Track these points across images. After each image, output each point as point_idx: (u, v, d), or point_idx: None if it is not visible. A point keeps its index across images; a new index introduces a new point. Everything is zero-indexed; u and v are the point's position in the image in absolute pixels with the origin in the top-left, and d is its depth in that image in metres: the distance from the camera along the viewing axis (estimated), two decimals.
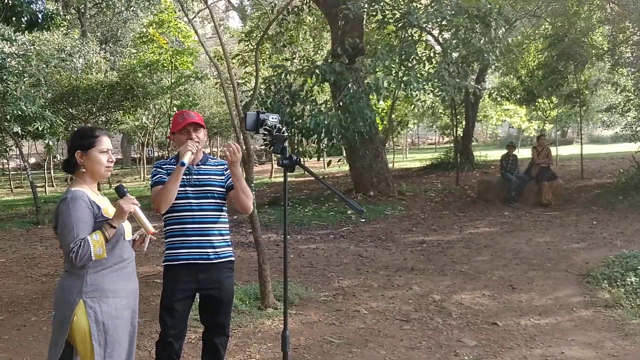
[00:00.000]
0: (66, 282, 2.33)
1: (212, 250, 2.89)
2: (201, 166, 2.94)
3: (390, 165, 14.99)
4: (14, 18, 6.73)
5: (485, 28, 8.75)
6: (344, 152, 11.48)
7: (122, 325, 2.35)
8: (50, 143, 12.01)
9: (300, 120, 9.13)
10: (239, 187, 2.88)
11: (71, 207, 2.25)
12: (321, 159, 10.98)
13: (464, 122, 17.48)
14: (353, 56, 10.10)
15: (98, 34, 22.22)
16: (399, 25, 9.52)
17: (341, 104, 9.50)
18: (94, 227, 2.28)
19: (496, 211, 10.02)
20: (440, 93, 10.05)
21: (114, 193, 2.45)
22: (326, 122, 8.75)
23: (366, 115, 9.11)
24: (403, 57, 9.38)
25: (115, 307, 2.32)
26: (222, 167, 3.00)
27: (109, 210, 2.36)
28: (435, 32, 11.26)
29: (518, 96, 15.14)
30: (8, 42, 9.10)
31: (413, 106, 15.60)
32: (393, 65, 9.28)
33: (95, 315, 2.27)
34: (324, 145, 9.68)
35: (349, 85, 9.35)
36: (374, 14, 10.07)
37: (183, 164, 2.72)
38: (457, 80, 9.02)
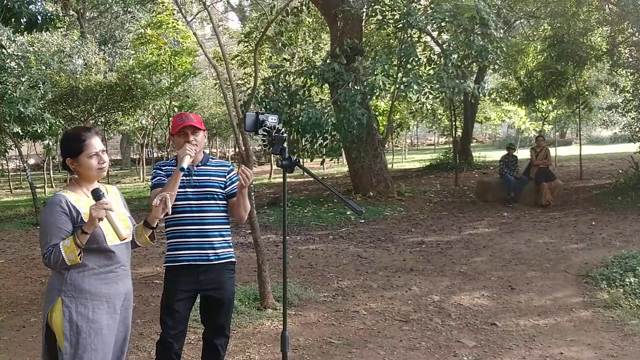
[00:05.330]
0: (50, 280, 2.36)
1: (212, 251, 2.88)
2: (201, 167, 2.93)
3: (389, 166, 15.00)
4: (13, 19, 6.70)
5: (485, 28, 8.76)
6: (343, 153, 11.45)
7: (100, 330, 2.30)
8: (50, 143, 12.00)
9: (298, 119, 9.12)
10: (242, 203, 2.90)
11: (47, 212, 2.27)
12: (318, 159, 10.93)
13: (463, 123, 17.50)
14: (352, 56, 10.11)
15: (97, 34, 22.20)
16: (399, 26, 9.53)
17: (338, 103, 9.51)
18: (73, 232, 2.25)
19: (495, 212, 10.01)
20: (439, 95, 10.04)
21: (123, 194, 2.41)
22: (320, 119, 8.73)
23: (358, 115, 9.09)
24: (403, 59, 9.38)
25: (93, 310, 2.30)
26: (224, 169, 3.00)
27: None
28: (435, 34, 11.24)
29: (517, 97, 15.15)
30: (4, 48, 9.07)
31: (413, 112, 15.61)
32: (392, 69, 9.27)
33: (70, 315, 2.26)
34: (318, 144, 9.66)
35: (348, 85, 9.34)
36: (374, 14, 10.08)
37: (182, 169, 2.70)
38: (457, 81, 9.01)
